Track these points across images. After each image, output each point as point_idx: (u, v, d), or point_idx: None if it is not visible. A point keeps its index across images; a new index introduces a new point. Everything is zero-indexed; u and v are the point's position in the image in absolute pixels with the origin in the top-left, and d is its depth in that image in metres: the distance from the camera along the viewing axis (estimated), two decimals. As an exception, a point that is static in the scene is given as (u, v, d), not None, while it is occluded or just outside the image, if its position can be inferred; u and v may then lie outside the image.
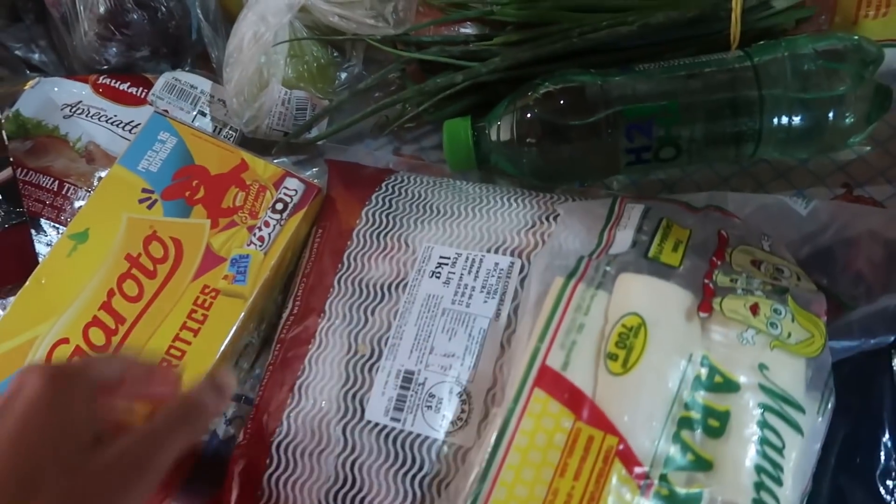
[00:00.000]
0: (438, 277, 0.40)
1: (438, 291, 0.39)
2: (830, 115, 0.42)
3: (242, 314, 0.42)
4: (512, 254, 0.39)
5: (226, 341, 0.41)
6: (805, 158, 0.47)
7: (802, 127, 0.42)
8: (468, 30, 0.51)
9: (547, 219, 0.41)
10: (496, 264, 0.39)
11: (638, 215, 0.39)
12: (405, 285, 0.40)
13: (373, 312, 0.40)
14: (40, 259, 0.46)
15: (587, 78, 0.44)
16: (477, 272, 0.39)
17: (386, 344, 0.39)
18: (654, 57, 0.45)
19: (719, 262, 0.36)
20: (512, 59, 0.48)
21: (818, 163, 0.47)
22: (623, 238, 0.38)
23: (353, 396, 0.38)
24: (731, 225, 0.39)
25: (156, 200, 0.45)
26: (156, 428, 0.29)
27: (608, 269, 0.35)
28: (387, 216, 0.43)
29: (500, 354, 0.37)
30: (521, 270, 0.39)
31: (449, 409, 0.36)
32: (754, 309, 0.33)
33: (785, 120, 0.42)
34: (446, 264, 0.40)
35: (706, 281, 0.34)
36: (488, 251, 0.40)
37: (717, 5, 0.45)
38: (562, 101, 0.44)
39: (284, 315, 0.43)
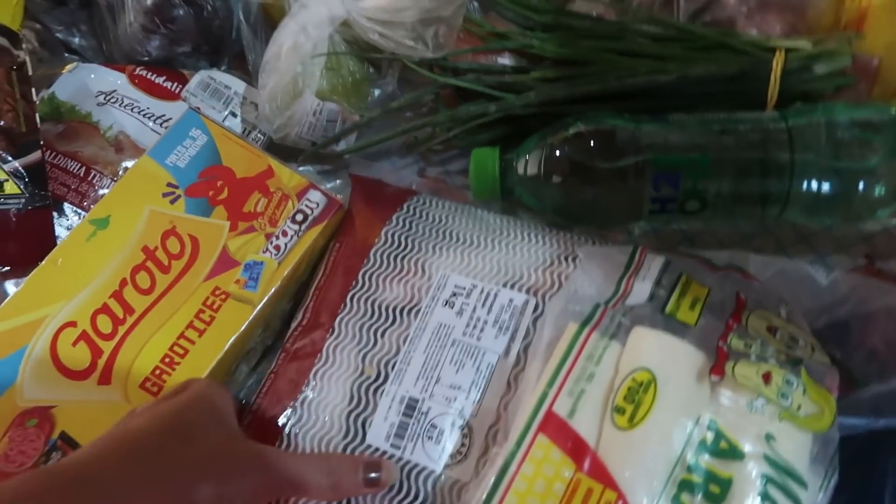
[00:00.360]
0: (452, 307, 0.40)
1: (450, 321, 0.39)
2: (860, 185, 0.42)
3: (249, 320, 0.42)
4: (527, 291, 0.39)
5: (228, 344, 0.41)
6: (830, 225, 0.47)
7: (831, 194, 0.42)
8: (506, 61, 0.51)
9: (566, 259, 0.41)
10: (511, 300, 0.39)
11: (658, 268, 0.39)
12: (418, 311, 0.40)
13: (382, 335, 0.40)
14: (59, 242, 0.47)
15: (620, 122, 0.44)
16: (491, 306, 0.39)
17: (392, 368, 0.38)
18: (689, 108, 0.45)
19: (735, 325, 0.36)
20: (546, 95, 0.48)
21: (843, 231, 0.47)
22: (641, 289, 0.37)
23: (356, 418, 0.37)
24: (750, 288, 0.39)
25: (179, 196, 0.45)
26: (295, 458, 0.36)
27: (623, 320, 0.35)
28: (406, 238, 0.43)
29: (505, 392, 0.37)
30: (535, 310, 0.39)
31: (449, 442, 0.36)
32: (766, 377, 0.33)
33: (814, 185, 0.42)
34: (461, 294, 0.40)
35: (721, 343, 0.34)
36: (504, 286, 0.40)
37: (758, 64, 0.45)
38: (592, 143, 0.44)
39: (293, 325, 0.43)
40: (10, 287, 0.46)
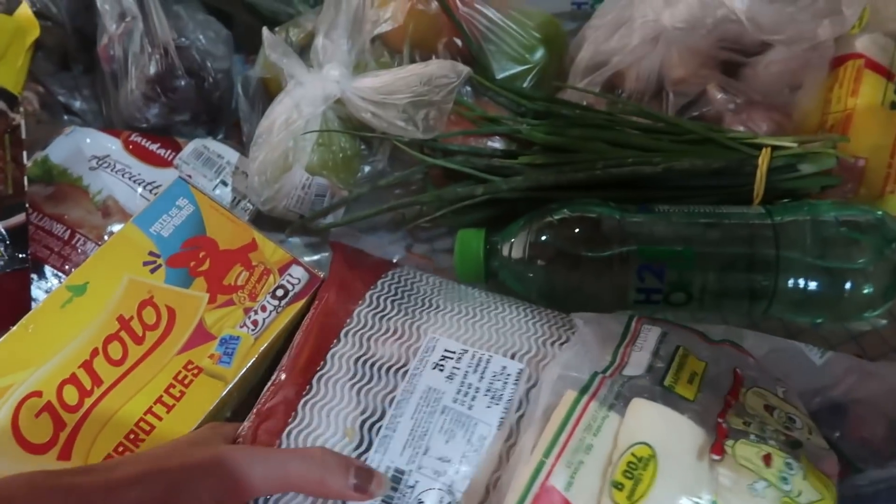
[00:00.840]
0: (441, 370, 0.37)
1: (440, 386, 0.37)
2: (847, 285, 0.41)
3: (220, 397, 0.41)
4: (521, 360, 0.37)
5: (197, 424, 0.40)
6: (819, 323, 0.46)
7: (817, 292, 0.42)
8: (496, 144, 0.51)
9: (560, 330, 0.40)
10: (504, 368, 0.37)
11: (654, 339, 0.37)
12: (405, 372, 0.38)
13: (366, 394, 0.37)
14: (35, 306, 0.46)
15: (605, 211, 0.44)
16: (483, 373, 0.37)
17: (377, 433, 0.36)
18: (675, 200, 0.45)
19: (733, 402, 0.35)
20: (533, 181, 0.48)
21: (831, 329, 0.46)
22: (638, 360, 0.36)
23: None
24: (747, 364, 0.38)
25: (160, 265, 0.44)
26: (284, 452, 0.36)
27: (622, 390, 0.34)
28: (392, 302, 0.42)
29: (496, 468, 0.34)
30: (529, 380, 0.37)
31: None
32: (767, 459, 0.31)
33: (800, 283, 0.42)
34: (451, 358, 0.38)
35: (720, 420, 0.33)
36: (497, 352, 0.38)
37: (744, 161, 0.45)
38: (577, 230, 0.44)
39: (267, 385, 0.41)
40: (-21, 351, 0.45)
